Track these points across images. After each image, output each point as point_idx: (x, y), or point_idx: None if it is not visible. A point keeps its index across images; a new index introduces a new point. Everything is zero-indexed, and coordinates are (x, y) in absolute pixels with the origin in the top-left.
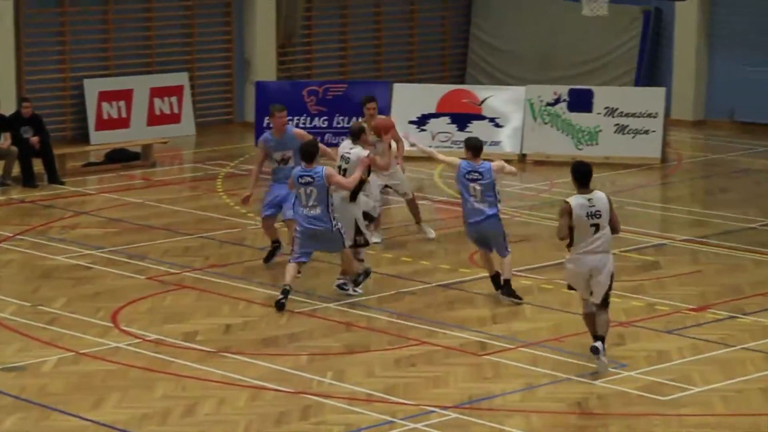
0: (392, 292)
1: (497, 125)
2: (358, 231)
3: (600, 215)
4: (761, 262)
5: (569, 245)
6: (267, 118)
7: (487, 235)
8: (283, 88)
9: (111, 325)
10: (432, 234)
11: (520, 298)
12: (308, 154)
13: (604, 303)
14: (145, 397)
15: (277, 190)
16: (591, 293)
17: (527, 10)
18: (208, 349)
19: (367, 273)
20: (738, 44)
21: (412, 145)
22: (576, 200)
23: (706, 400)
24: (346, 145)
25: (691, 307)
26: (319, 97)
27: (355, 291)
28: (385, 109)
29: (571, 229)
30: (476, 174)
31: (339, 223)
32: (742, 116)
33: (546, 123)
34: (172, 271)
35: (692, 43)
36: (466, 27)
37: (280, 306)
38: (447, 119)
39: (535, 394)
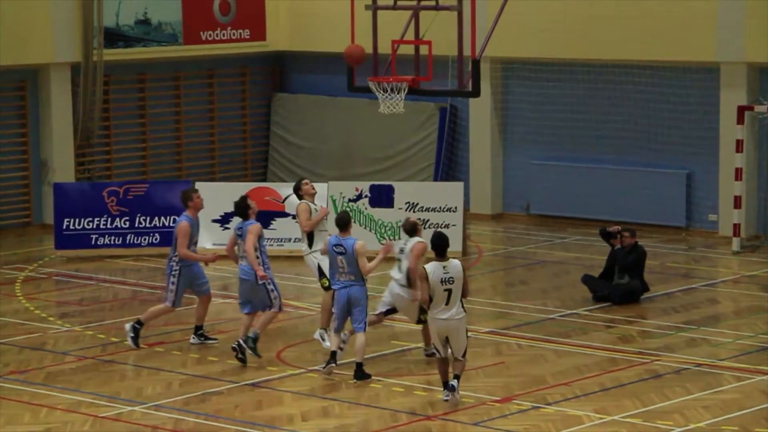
0: (199, 393)
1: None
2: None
3: (453, 281)
4: (562, 352)
5: (428, 308)
6: (184, 201)
7: (351, 300)
8: (83, 190)
9: None
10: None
11: (369, 376)
12: (242, 209)
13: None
14: None
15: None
16: (450, 350)
17: (326, 108)
18: None
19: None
20: (529, 139)
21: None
22: (432, 266)
23: None
24: (402, 241)
25: (495, 398)
26: (120, 198)
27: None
28: None
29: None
30: (341, 248)
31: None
32: (537, 209)
33: None
34: None
35: (487, 138)
36: (266, 125)
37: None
38: None
39: None
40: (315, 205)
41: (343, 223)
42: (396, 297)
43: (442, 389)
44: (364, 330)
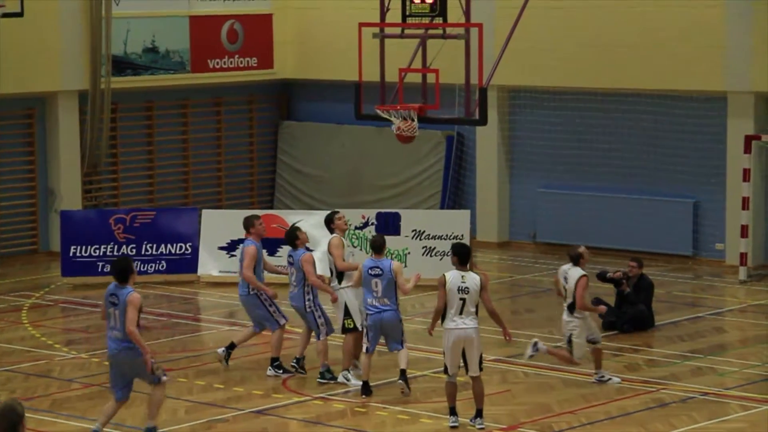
0: (204, 420)
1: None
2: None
3: (468, 291)
4: (568, 380)
5: (443, 319)
6: (246, 227)
7: (384, 324)
8: (89, 217)
9: None
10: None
11: (409, 389)
12: (290, 238)
13: (480, 369)
14: None
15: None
16: (465, 367)
17: (333, 136)
18: None
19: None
20: (536, 167)
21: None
22: (451, 273)
23: None
24: (565, 268)
25: (501, 426)
26: (126, 225)
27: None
28: (194, 236)
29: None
30: (377, 269)
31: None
32: (544, 237)
33: (355, 246)
34: None
35: (494, 166)
36: (273, 153)
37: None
38: None
39: None
40: (343, 239)
41: (378, 245)
42: (565, 325)
43: (448, 416)
44: (403, 347)
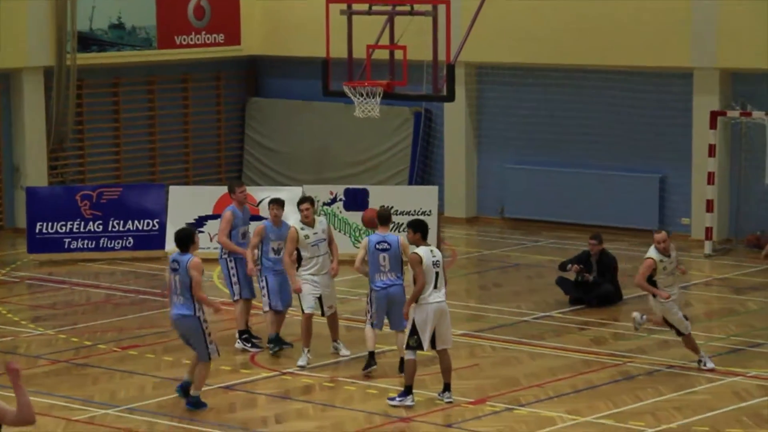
0: (173, 396)
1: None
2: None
3: (439, 264)
4: (535, 354)
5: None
6: (229, 192)
7: (391, 299)
8: (56, 193)
9: None
10: (346, 352)
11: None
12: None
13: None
14: None
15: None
16: (432, 341)
17: (300, 112)
18: None
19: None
20: (504, 143)
21: None
22: (423, 250)
23: None
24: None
25: (469, 400)
26: (93, 202)
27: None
28: (162, 212)
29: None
30: (385, 244)
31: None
32: (511, 213)
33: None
34: None
35: (461, 142)
36: (241, 129)
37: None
38: None
39: None
40: (308, 229)
41: (385, 218)
42: (656, 309)
43: (403, 395)
44: (405, 327)
